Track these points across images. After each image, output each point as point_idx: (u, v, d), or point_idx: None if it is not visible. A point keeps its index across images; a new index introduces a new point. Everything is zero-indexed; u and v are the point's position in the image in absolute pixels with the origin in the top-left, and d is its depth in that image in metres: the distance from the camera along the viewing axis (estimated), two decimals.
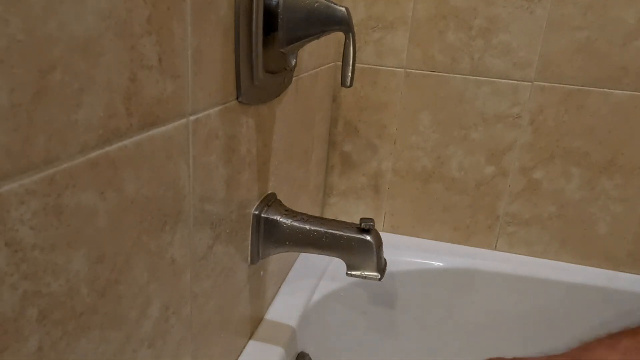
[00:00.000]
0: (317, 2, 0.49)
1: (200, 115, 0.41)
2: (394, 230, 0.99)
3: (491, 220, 0.94)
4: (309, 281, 0.81)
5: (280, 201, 0.64)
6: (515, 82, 0.86)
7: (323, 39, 0.52)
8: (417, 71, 0.89)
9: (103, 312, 0.33)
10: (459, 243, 0.97)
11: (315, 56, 0.75)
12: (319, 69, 0.78)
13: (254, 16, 0.46)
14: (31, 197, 0.25)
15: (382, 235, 0.60)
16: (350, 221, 0.61)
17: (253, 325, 0.67)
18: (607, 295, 0.89)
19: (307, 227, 0.59)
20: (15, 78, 0.24)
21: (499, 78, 0.86)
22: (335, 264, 0.87)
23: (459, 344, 0.95)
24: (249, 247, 0.59)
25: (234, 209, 0.52)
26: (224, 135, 0.47)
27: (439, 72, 0.88)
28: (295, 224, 0.59)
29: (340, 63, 0.54)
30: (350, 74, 0.52)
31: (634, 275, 0.91)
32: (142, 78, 0.33)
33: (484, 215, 0.94)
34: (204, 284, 0.48)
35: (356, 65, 0.54)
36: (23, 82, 0.24)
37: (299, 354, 0.72)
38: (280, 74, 0.56)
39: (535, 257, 0.95)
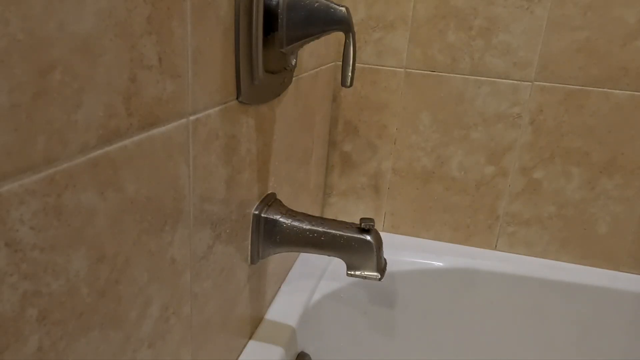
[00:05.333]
0: (317, 2, 0.49)
1: (200, 115, 0.41)
2: (394, 230, 0.99)
3: (491, 220, 0.94)
4: (309, 281, 0.81)
5: (280, 201, 0.64)
6: (515, 82, 0.86)
7: (323, 39, 0.52)
8: (417, 71, 0.89)
9: (103, 312, 0.33)
10: (459, 243, 0.97)
11: (315, 56, 0.75)
12: (319, 69, 0.78)
13: (254, 16, 0.46)
14: (31, 197, 0.25)
15: (382, 235, 0.60)
16: (350, 221, 0.61)
17: (253, 325, 0.67)
18: (607, 295, 0.89)
19: (307, 227, 0.59)
20: (15, 78, 0.23)
21: (499, 78, 0.86)
22: (335, 264, 0.87)
23: (458, 344, 0.95)
24: (249, 247, 0.59)
25: (234, 209, 0.52)
26: (224, 135, 0.47)
27: (439, 72, 0.88)
28: (295, 224, 0.59)
29: (340, 63, 0.54)
30: (350, 74, 0.52)
31: (634, 275, 0.91)
32: (142, 78, 0.33)
33: (484, 215, 0.94)
34: (204, 284, 0.48)
35: (356, 65, 0.54)
36: (23, 82, 0.24)
37: (299, 354, 0.72)
38: (280, 74, 0.56)
39: (535, 257, 0.95)
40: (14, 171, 0.24)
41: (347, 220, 0.61)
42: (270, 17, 0.49)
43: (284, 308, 0.73)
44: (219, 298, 0.52)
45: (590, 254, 0.92)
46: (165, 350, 0.43)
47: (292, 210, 0.61)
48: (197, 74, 0.40)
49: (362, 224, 0.58)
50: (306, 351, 0.75)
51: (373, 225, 0.58)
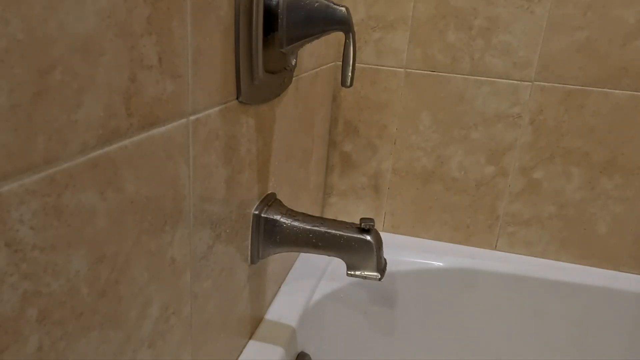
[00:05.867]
0: (317, 2, 0.49)
1: (200, 115, 0.41)
2: (394, 230, 0.99)
3: (491, 220, 0.94)
4: (309, 281, 0.81)
5: (280, 201, 0.64)
6: (515, 82, 0.86)
7: (323, 39, 0.52)
8: (417, 71, 0.89)
9: (103, 312, 0.33)
10: (459, 243, 0.97)
11: (315, 56, 0.75)
12: (319, 69, 0.78)
13: (254, 16, 0.46)
14: (31, 197, 0.25)
15: (382, 235, 0.60)
16: (350, 221, 0.61)
17: (253, 325, 0.67)
18: (607, 295, 0.89)
19: (307, 227, 0.59)
20: (15, 78, 0.23)
21: (499, 78, 0.86)
22: (335, 264, 0.87)
23: (458, 344, 0.95)
24: (249, 247, 0.59)
25: (234, 209, 0.52)
26: (224, 135, 0.46)
27: (439, 72, 0.88)
28: (295, 224, 0.59)
29: (340, 63, 0.54)
30: (350, 74, 0.52)
31: (634, 275, 0.91)
32: (142, 78, 0.33)
33: (484, 215, 0.94)
34: (204, 284, 0.48)
35: (356, 65, 0.54)
36: (23, 82, 0.24)
37: (299, 354, 0.72)
38: (280, 74, 0.56)
39: (535, 257, 0.95)
40: (14, 171, 0.24)
41: (347, 220, 0.61)
42: (270, 17, 0.49)
43: (284, 308, 0.73)
44: (219, 298, 0.52)
45: (590, 254, 0.92)
46: (165, 350, 0.43)
47: (292, 210, 0.61)
48: (197, 74, 0.40)
49: (362, 224, 0.58)
50: (306, 351, 0.75)
51: (373, 225, 0.58)
